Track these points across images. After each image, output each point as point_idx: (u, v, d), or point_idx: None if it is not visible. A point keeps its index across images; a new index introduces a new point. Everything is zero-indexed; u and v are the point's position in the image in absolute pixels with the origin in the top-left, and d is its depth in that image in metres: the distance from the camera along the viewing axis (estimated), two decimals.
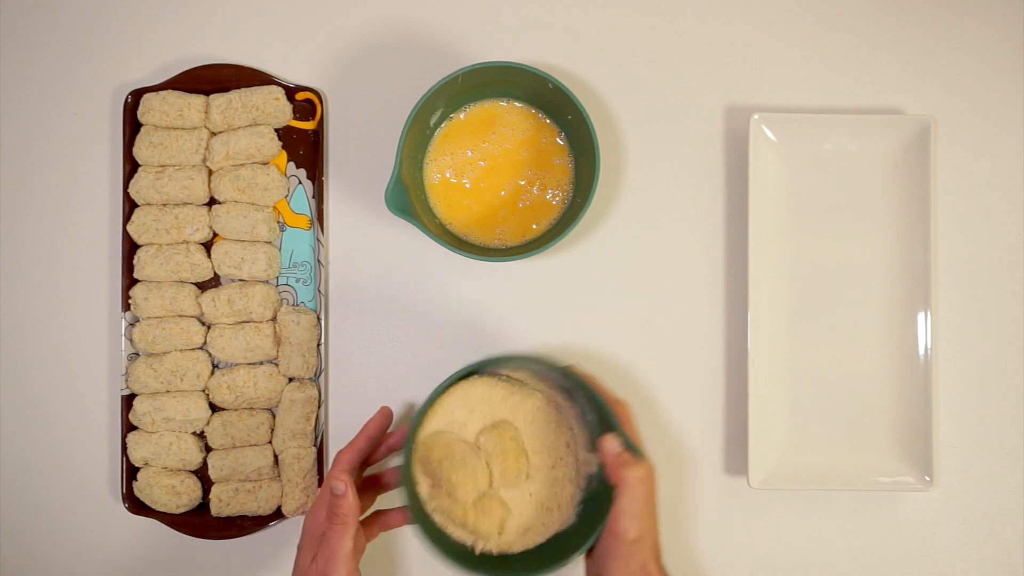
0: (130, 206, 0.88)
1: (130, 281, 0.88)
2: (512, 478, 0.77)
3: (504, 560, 0.75)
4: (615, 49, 0.90)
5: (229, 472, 0.86)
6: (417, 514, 0.74)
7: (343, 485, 0.74)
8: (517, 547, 0.76)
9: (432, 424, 0.77)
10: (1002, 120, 0.90)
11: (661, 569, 0.71)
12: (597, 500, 0.75)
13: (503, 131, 0.86)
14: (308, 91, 0.89)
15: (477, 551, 0.75)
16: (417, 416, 0.74)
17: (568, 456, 0.78)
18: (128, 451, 0.86)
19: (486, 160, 0.86)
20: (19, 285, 0.90)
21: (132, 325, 0.87)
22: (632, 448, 0.73)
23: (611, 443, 0.73)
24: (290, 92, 0.88)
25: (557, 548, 0.75)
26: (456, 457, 0.75)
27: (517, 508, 0.77)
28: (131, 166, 0.88)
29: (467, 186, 0.86)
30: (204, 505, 0.88)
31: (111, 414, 0.89)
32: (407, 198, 0.81)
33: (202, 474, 0.88)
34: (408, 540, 0.89)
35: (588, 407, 0.77)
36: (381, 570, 0.89)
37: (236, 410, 0.87)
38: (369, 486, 0.83)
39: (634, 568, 0.70)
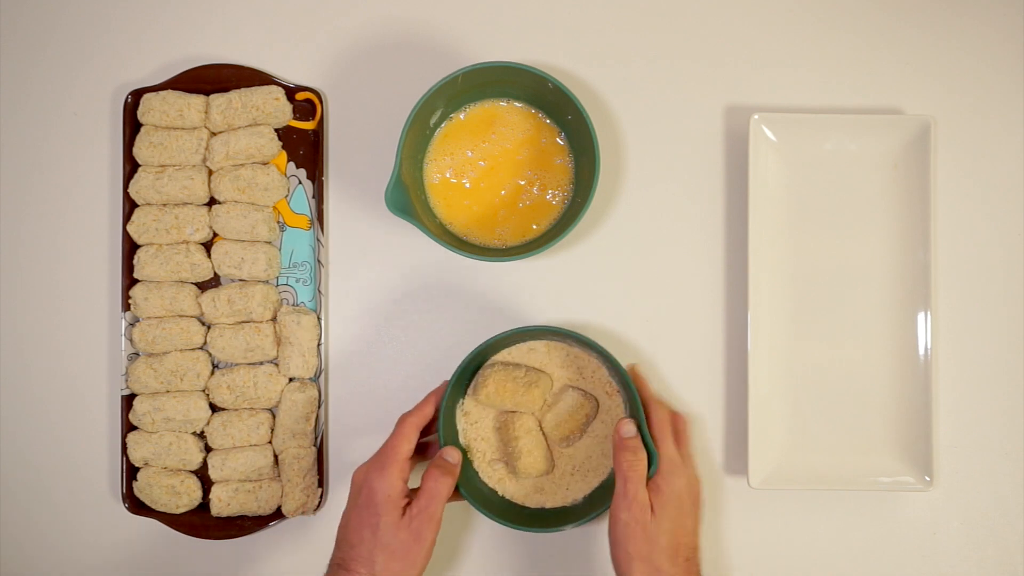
0: (130, 206, 0.88)
1: (130, 281, 0.88)
2: (560, 437, 0.84)
3: (515, 509, 0.84)
4: (615, 49, 0.90)
5: (229, 472, 0.86)
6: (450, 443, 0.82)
7: (458, 455, 0.81)
8: (529, 502, 0.85)
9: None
10: (1002, 120, 0.90)
11: (676, 565, 0.73)
12: (606, 491, 0.83)
13: (503, 131, 0.86)
14: (308, 91, 0.89)
15: (499, 492, 0.85)
16: (468, 358, 0.81)
17: (599, 452, 0.85)
18: (128, 451, 0.86)
19: (486, 160, 0.86)
20: (19, 285, 0.90)
21: (132, 325, 0.87)
22: (648, 443, 0.77)
23: (626, 426, 0.77)
24: (290, 92, 0.88)
25: (558, 516, 0.84)
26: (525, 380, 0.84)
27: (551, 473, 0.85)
28: (131, 166, 0.88)
29: (467, 186, 0.86)
30: (204, 505, 0.88)
31: (111, 414, 0.89)
32: (407, 198, 0.81)
33: (202, 474, 0.88)
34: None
35: (628, 407, 0.84)
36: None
37: (236, 410, 0.87)
38: (417, 454, 0.84)
39: (629, 553, 0.73)
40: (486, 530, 0.89)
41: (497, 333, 0.83)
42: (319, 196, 0.88)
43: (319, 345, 0.87)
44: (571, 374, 0.85)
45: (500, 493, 0.85)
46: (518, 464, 0.83)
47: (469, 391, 0.85)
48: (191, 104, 0.87)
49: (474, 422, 0.85)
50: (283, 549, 0.89)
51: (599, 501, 0.83)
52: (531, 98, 0.85)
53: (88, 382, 0.90)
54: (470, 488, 0.82)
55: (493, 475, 0.85)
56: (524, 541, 0.88)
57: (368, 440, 0.89)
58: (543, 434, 0.84)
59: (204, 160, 0.87)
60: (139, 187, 0.87)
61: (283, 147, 0.89)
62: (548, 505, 0.85)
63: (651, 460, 0.78)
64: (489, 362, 0.85)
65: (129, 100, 0.88)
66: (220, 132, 0.88)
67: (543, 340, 0.86)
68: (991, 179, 0.90)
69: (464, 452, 0.85)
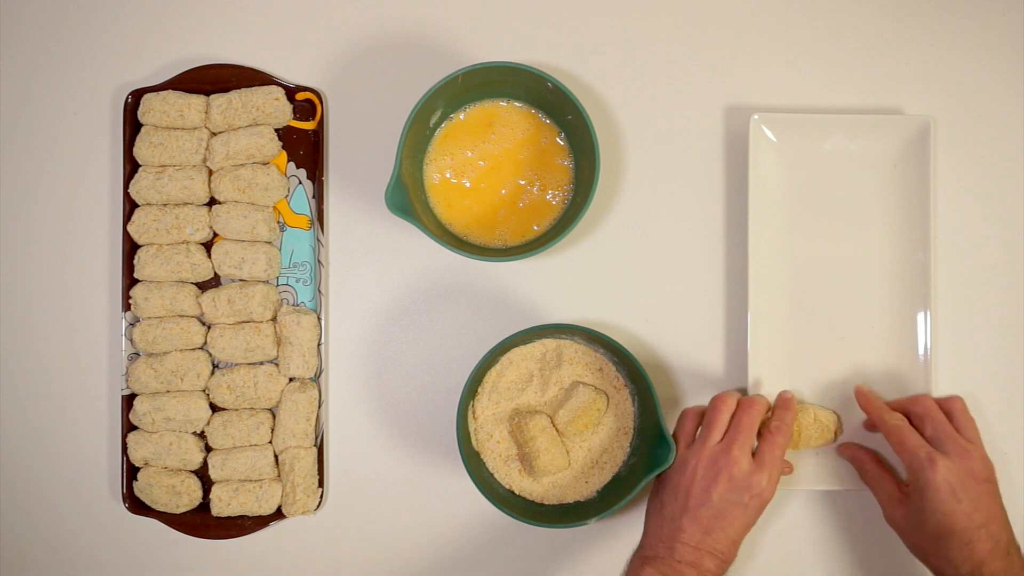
0: (130, 206, 0.88)
1: (130, 281, 0.88)
2: (574, 432, 0.84)
3: (534, 507, 0.85)
4: (615, 49, 0.90)
5: (229, 472, 0.86)
6: (467, 449, 0.83)
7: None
8: (548, 499, 0.85)
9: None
10: (1002, 120, 0.90)
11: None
12: (620, 483, 0.84)
13: (503, 131, 0.86)
14: (308, 91, 0.89)
15: (516, 491, 0.85)
16: (484, 360, 0.82)
17: (615, 445, 0.86)
18: (128, 451, 0.86)
19: (486, 160, 0.86)
20: (20, 285, 0.90)
21: (132, 325, 0.87)
22: (665, 435, 0.80)
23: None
24: (290, 92, 0.88)
25: (574, 512, 0.84)
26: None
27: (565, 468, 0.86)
28: (131, 166, 0.88)
29: (467, 186, 0.86)
30: (204, 505, 0.88)
31: (111, 414, 0.89)
32: (407, 198, 0.81)
33: (202, 474, 0.88)
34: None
35: (637, 400, 0.86)
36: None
37: (236, 410, 0.87)
38: None
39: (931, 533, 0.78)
40: (508, 530, 0.89)
41: (500, 334, 0.83)
42: (319, 196, 0.88)
43: (319, 345, 0.87)
44: (580, 370, 0.86)
45: (517, 492, 0.85)
46: (536, 463, 0.83)
47: (480, 393, 0.86)
48: (191, 104, 0.87)
49: (483, 424, 0.85)
50: (283, 549, 0.89)
51: (613, 493, 0.83)
52: (531, 98, 0.85)
53: (88, 382, 0.90)
54: (488, 489, 0.82)
55: (508, 476, 0.85)
56: (542, 538, 0.89)
57: (369, 440, 0.89)
58: (557, 431, 0.85)
59: (204, 160, 0.87)
60: (139, 187, 0.87)
61: (283, 147, 0.89)
62: (568, 500, 0.85)
63: (668, 452, 0.80)
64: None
65: (129, 100, 0.88)
66: (220, 132, 0.88)
67: (552, 339, 0.86)
68: (991, 179, 0.90)
69: (477, 455, 0.85)
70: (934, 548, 0.78)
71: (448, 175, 0.86)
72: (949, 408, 0.83)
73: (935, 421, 0.81)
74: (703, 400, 0.88)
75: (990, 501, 0.78)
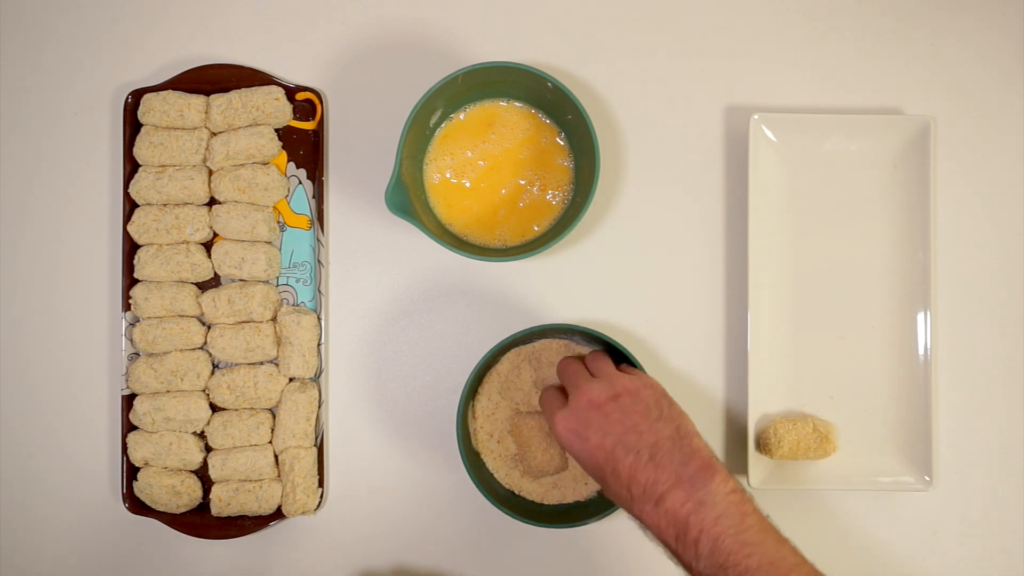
0: (130, 206, 0.88)
1: (130, 281, 0.88)
2: None
3: (535, 507, 0.85)
4: (615, 49, 0.90)
5: (229, 472, 0.86)
6: (467, 449, 0.83)
7: None
8: (548, 499, 0.85)
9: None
10: (1002, 120, 0.90)
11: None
12: None
13: (503, 131, 0.86)
14: (308, 91, 0.89)
15: (516, 492, 0.85)
16: (481, 363, 0.82)
17: None
18: (128, 451, 0.86)
19: (486, 160, 0.86)
20: (19, 285, 0.90)
21: (132, 325, 0.87)
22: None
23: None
24: (290, 92, 0.88)
25: (574, 512, 0.84)
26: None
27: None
28: (131, 166, 0.88)
29: (467, 186, 0.86)
30: (204, 505, 0.88)
31: (111, 414, 0.89)
32: (407, 198, 0.81)
33: (202, 474, 0.88)
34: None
35: None
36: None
37: (236, 410, 0.87)
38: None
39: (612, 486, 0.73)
40: (508, 530, 0.89)
41: (500, 334, 0.83)
42: (319, 196, 0.88)
43: (319, 345, 0.87)
44: None
45: (517, 492, 0.85)
46: (534, 463, 0.83)
47: (480, 393, 0.86)
48: (191, 104, 0.87)
49: (483, 424, 0.86)
50: (283, 549, 0.89)
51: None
52: (531, 98, 0.85)
53: (88, 382, 0.90)
54: (488, 489, 0.83)
55: (508, 476, 0.85)
56: (542, 538, 0.89)
57: (369, 440, 0.89)
58: None
59: (204, 160, 0.88)
60: (139, 187, 0.87)
61: (283, 147, 0.89)
62: (568, 500, 0.85)
63: None
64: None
65: (129, 100, 0.88)
66: (220, 132, 0.88)
67: (553, 339, 0.86)
68: (991, 179, 0.90)
69: (477, 455, 0.85)
70: (608, 492, 0.74)
71: (448, 175, 0.86)
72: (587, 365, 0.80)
73: (568, 378, 0.79)
74: (703, 399, 0.89)
75: (621, 416, 0.72)
